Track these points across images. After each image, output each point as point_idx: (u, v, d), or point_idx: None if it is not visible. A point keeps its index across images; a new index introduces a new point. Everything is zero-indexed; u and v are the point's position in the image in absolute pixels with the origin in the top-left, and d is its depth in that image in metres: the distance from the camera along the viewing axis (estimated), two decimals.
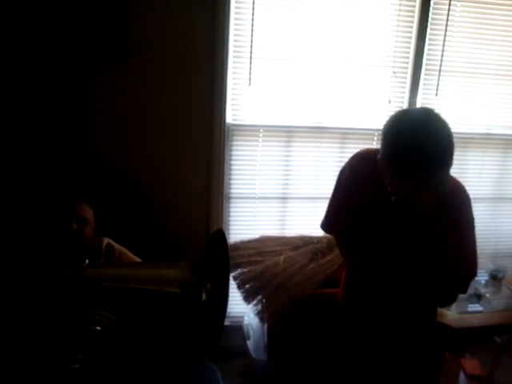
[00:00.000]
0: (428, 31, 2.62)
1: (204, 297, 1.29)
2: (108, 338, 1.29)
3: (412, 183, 1.42)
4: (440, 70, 2.67)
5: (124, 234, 1.97)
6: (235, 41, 2.45)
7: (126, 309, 1.37)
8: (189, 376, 1.73)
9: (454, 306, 2.43)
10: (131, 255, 1.84)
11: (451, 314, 2.21)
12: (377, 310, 1.75)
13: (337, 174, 2.68)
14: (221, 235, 1.43)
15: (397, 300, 1.73)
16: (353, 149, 2.63)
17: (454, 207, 1.57)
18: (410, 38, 2.62)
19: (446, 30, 2.62)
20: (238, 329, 2.56)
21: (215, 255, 1.39)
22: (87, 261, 1.34)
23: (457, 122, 2.77)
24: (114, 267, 1.48)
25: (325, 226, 1.90)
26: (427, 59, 2.66)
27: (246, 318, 2.57)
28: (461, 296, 2.42)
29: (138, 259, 1.86)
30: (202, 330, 1.40)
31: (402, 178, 1.42)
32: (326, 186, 2.72)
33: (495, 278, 2.73)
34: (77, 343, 1.26)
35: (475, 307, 2.57)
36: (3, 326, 1.22)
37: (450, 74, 2.72)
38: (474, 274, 1.66)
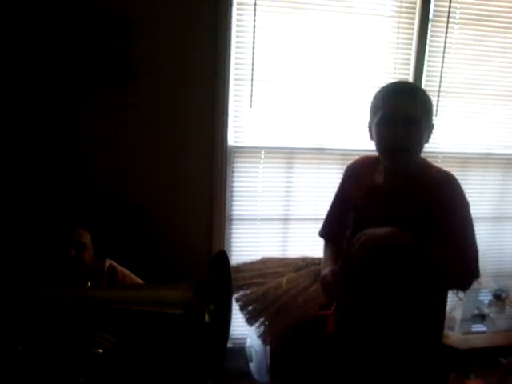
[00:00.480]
0: (427, 52, 2.65)
1: (207, 318, 1.29)
2: (110, 361, 1.27)
3: (401, 121, 1.49)
4: (439, 91, 2.70)
5: (126, 255, 1.98)
6: (236, 63, 2.49)
7: (128, 331, 1.37)
8: None
9: (457, 327, 2.41)
10: (134, 277, 1.85)
11: (455, 335, 2.19)
12: (372, 334, 1.71)
13: None
14: (223, 257, 1.43)
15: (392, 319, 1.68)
16: None
17: (444, 196, 1.53)
18: (409, 59, 2.66)
19: (444, 52, 2.66)
20: (240, 351, 2.54)
21: (217, 277, 1.39)
22: (89, 283, 1.34)
23: (457, 141, 2.81)
24: (116, 289, 1.49)
25: (322, 231, 1.90)
26: (426, 80, 2.70)
27: (248, 340, 2.56)
28: (464, 316, 2.42)
29: (140, 281, 1.87)
30: (205, 352, 1.39)
31: (390, 110, 1.53)
32: (327, 207, 2.73)
33: (499, 298, 2.71)
34: (79, 366, 1.25)
35: (479, 327, 2.55)
36: (4, 349, 1.22)
37: (450, 95, 2.75)
38: (472, 272, 1.51)
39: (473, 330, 2.47)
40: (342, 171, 2.63)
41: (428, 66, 2.68)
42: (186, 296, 1.38)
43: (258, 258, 2.59)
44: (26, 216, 2.21)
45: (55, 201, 2.31)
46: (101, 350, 1.26)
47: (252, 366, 2.45)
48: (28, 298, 1.30)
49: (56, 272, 1.81)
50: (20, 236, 2.14)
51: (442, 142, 2.79)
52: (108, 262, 1.76)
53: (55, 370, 1.25)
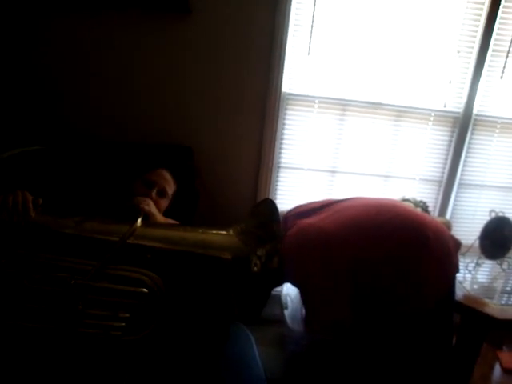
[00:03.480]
0: (500, 7, 2.52)
1: (255, 269, 1.29)
2: (154, 299, 1.29)
3: None
4: (509, 52, 2.58)
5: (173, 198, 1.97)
6: (297, 8, 2.46)
7: (173, 272, 1.38)
8: (224, 339, 1.74)
9: (496, 297, 2.37)
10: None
11: (492, 304, 2.16)
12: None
13: (389, 151, 2.64)
14: (272, 207, 1.40)
15: None
16: (407, 128, 2.59)
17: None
18: (480, 15, 2.55)
19: None
20: (276, 298, 2.57)
21: (266, 227, 1.38)
22: (139, 220, 1.34)
23: None
24: (163, 229, 1.48)
25: None
26: (496, 39, 2.57)
27: (284, 288, 2.58)
28: (504, 288, 2.39)
29: None
30: (246, 300, 1.40)
31: None
32: (377, 162, 2.69)
33: None
34: (123, 302, 1.26)
35: None
36: (55, 281, 1.23)
37: None
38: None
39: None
40: (396, 128, 2.60)
41: (500, 23, 2.55)
42: (233, 242, 1.37)
43: None
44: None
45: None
46: (145, 290, 1.27)
47: (287, 313, 2.48)
48: (77, 230, 1.31)
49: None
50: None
51: (503, 108, 2.70)
52: (153, 208, 1.69)
53: (100, 304, 1.26)
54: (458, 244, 1.97)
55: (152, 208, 1.68)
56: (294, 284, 1.92)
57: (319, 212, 1.97)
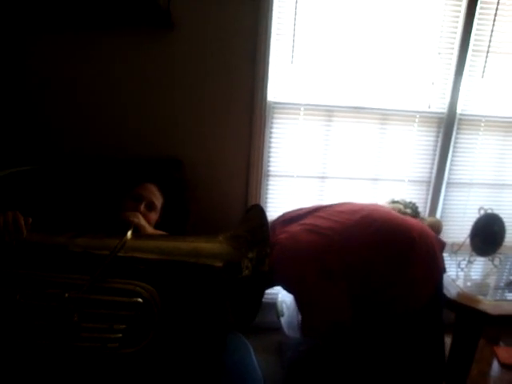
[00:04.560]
0: (477, 9, 2.57)
1: (246, 272, 1.30)
2: (148, 310, 1.29)
3: None
4: (488, 51, 2.62)
5: (165, 207, 1.98)
6: (278, 18, 2.49)
7: (166, 281, 1.38)
8: (221, 349, 1.75)
9: (490, 293, 2.39)
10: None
11: (487, 301, 2.18)
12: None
13: (376, 154, 2.67)
14: (260, 211, 1.42)
15: None
16: (393, 130, 2.62)
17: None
18: (458, 16, 2.59)
19: (497, 9, 2.57)
20: (271, 306, 2.58)
21: (255, 231, 1.39)
22: (129, 233, 1.35)
23: (503, 105, 2.76)
24: (154, 240, 1.48)
25: None
26: (475, 39, 2.62)
27: (279, 295, 2.59)
28: (498, 284, 2.41)
29: None
30: (240, 305, 1.40)
31: None
32: (365, 166, 2.71)
33: None
34: (120, 314, 1.27)
35: None
36: (49, 297, 1.24)
37: (499, 55, 2.67)
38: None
39: (507, 297, 2.44)
40: (382, 131, 2.63)
41: (478, 23, 2.60)
42: (224, 249, 1.38)
43: None
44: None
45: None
46: (140, 300, 1.28)
47: (283, 320, 2.49)
48: (67, 246, 1.31)
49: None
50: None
51: (486, 106, 2.74)
52: (142, 221, 1.69)
53: (96, 318, 1.26)
54: (442, 244, 2.02)
55: (141, 220, 1.70)
56: (288, 289, 1.94)
57: (306, 218, 2.00)
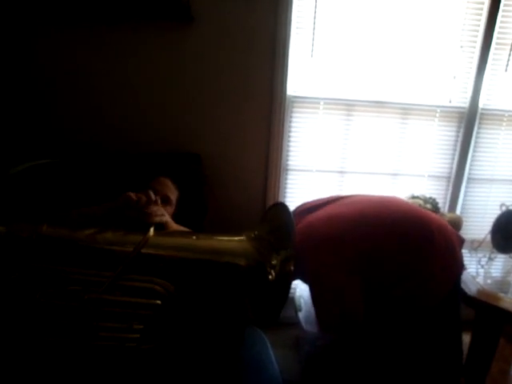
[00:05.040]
0: (502, 1, 2.52)
1: (271, 276, 1.29)
2: (167, 309, 1.29)
3: None
4: None
5: (182, 202, 1.98)
6: (298, 11, 2.48)
7: (186, 278, 1.38)
8: (239, 343, 1.75)
9: (511, 291, 2.37)
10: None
11: (508, 298, 2.15)
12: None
13: (396, 149, 2.65)
14: (285, 211, 1.40)
15: None
16: (414, 125, 2.59)
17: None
18: (482, 8, 2.55)
19: None
20: (289, 300, 2.57)
21: (279, 233, 1.37)
22: (152, 229, 1.35)
23: None
24: (176, 237, 1.48)
25: None
26: (499, 32, 2.58)
27: (297, 290, 2.59)
28: None
29: None
30: (264, 304, 1.40)
31: None
32: (385, 161, 2.69)
33: None
34: (137, 314, 1.27)
35: None
36: (69, 295, 1.24)
37: None
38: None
39: None
40: (402, 126, 2.61)
41: (502, 16, 2.55)
42: (247, 249, 1.37)
43: None
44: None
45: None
46: (159, 302, 1.28)
47: (301, 315, 2.49)
48: (92, 242, 1.31)
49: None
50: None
51: (509, 101, 2.71)
52: (164, 218, 1.66)
53: (114, 316, 1.27)
54: (461, 240, 2.00)
55: (166, 216, 1.69)
56: (304, 278, 1.93)
57: (324, 208, 1.99)
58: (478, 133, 2.74)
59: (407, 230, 1.84)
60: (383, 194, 2.24)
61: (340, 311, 1.75)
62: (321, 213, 1.94)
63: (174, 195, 1.92)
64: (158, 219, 1.62)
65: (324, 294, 1.78)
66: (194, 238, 1.46)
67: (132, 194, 1.59)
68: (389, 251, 1.80)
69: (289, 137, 2.67)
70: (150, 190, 1.70)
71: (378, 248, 1.79)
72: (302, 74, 2.57)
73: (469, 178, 2.83)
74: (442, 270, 1.83)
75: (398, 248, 1.80)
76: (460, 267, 1.94)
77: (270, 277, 1.29)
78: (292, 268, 1.28)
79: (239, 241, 1.39)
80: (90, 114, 2.50)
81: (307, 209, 2.06)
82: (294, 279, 2.04)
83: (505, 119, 2.73)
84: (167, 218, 1.69)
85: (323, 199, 2.11)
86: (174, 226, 1.72)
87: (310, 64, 2.55)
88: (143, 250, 1.30)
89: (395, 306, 1.85)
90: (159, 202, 1.80)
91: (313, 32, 2.48)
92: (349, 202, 2.00)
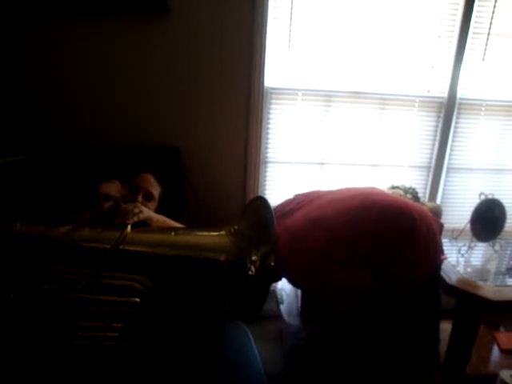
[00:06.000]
0: None
1: (251, 271, 1.29)
2: (147, 306, 1.28)
3: None
4: (489, 33, 2.60)
5: (162, 196, 1.97)
6: (275, 1, 2.46)
7: (165, 274, 1.38)
8: (219, 337, 1.76)
9: (490, 279, 2.41)
10: (171, 224, 1.78)
11: (487, 286, 2.19)
12: None
13: (376, 140, 2.67)
14: (265, 206, 1.39)
15: None
16: (393, 115, 2.61)
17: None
18: None
19: None
20: (271, 293, 2.59)
21: (259, 229, 1.37)
22: (129, 226, 1.34)
23: (504, 89, 2.75)
24: (154, 233, 1.47)
25: None
26: (475, 21, 2.59)
27: (279, 283, 2.60)
28: (498, 269, 2.43)
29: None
30: (244, 299, 1.40)
31: None
32: (364, 151, 2.71)
33: None
34: (116, 312, 1.26)
35: None
36: (46, 293, 1.23)
37: (500, 38, 2.65)
38: None
39: (507, 283, 2.45)
40: (381, 116, 2.63)
41: (479, 5, 2.57)
42: (226, 244, 1.37)
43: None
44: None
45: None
46: (137, 299, 1.27)
47: (283, 308, 2.50)
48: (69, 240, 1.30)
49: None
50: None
51: (487, 90, 2.73)
52: (145, 214, 1.62)
53: (93, 315, 1.26)
54: (440, 226, 2.06)
55: (146, 212, 1.64)
56: (296, 284, 1.96)
57: (305, 208, 2.00)
58: (456, 122, 2.77)
59: (391, 220, 1.87)
60: (360, 186, 2.27)
61: (345, 299, 1.82)
62: (299, 218, 1.96)
63: (156, 191, 1.91)
64: (135, 218, 1.60)
65: (325, 289, 1.85)
66: (173, 233, 1.46)
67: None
68: (376, 244, 1.83)
69: (267, 129, 2.67)
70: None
71: (366, 243, 1.82)
72: (280, 65, 2.57)
73: (448, 168, 2.86)
74: (425, 256, 1.87)
75: (384, 239, 1.84)
76: (440, 251, 1.99)
77: (250, 272, 1.29)
78: (272, 264, 1.29)
79: (219, 236, 1.39)
80: (66, 109, 2.46)
81: (288, 210, 2.07)
82: (280, 279, 2.06)
83: (483, 108, 2.76)
84: (147, 215, 1.65)
85: (302, 198, 2.12)
86: (160, 221, 1.70)
87: (287, 55, 2.54)
88: (121, 247, 1.29)
89: (381, 293, 1.88)
90: (140, 199, 1.79)
91: (290, 22, 2.47)
92: (329, 200, 2.01)
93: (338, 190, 2.12)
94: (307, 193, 2.15)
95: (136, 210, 1.60)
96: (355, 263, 1.82)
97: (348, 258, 1.81)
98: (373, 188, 2.24)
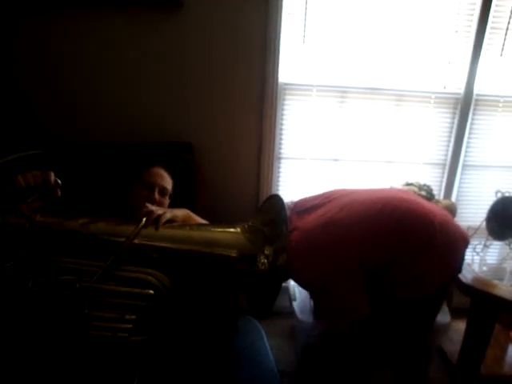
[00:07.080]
0: None
1: (262, 268, 1.30)
2: (160, 300, 1.30)
3: None
4: (507, 28, 2.59)
5: (175, 191, 1.99)
6: None
7: (179, 269, 1.40)
8: (232, 333, 1.78)
9: (506, 278, 2.40)
10: (196, 219, 1.75)
11: (503, 285, 2.19)
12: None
13: (391, 136, 2.66)
14: (279, 204, 1.41)
15: None
16: (408, 111, 2.60)
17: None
18: None
19: None
20: (284, 290, 2.60)
21: (273, 225, 1.38)
22: (144, 220, 1.36)
23: None
24: (169, 228, 1.48)
25: None
26: (494, 16, 2.58)
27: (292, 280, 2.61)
28: None
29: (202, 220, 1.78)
30: (257, 296, 1.41)
31: None
32: (379, 148, 2.71)
33: None
34: (130, 305, 1.28)
35: None
36: (61, 284, 1.25)
37: None
38: None
39: None
40: (397, 112, 2.62)
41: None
42: (240, 240, 1.39)
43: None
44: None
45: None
46: (152, 291, 1.29)
47: (295, 305, 2.51)
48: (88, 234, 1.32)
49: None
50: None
51: (504, 86, 2.72)
52: (168, 214, 1.53)
53: (106, 306, 1.28)
54: (466, 241, 1.96)
55: (169, 213, 1.55)
56: (303, 286, 1.96)
57: (321, 208, 1.99)
58: (473, 119, 2.75)
59: (409, 227, 1.84)
60: (382, 188, 2.25)
61: (347, 316, 1.81)
62: (317, 218, 1.94)
63: (169, 185, 1.89)
64: (163, 219, 1.58)
65: (329, 302, 1.83)
66: (188, 229, 1.48)
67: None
68: (394, 251, 1.82)
69: (281, 125, 2.68)
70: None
71: (384, 249, 1.82)
72: (294, 60, 2.57)
73: (464, 165, 2.84)
74: (437, 266, 1.84)
75: (402, 247, 1.82)
76: (455, 269, 1.97)
77: (263, 267, 1.31)
78: (284, 263, 1.31)
79: (233, 232, 1.41)
80: (79, 105, 2.49)
81: (303, 210, 2.06)
82: (290, 279, 2.07)
83: (500, 105, 2.75)
84: (172, 214, 1.57)
85: (319, 197, 2.10)
86: (186, 218, 1.68)
87: (302, 50, 2.55)
88: (136, 241, 1.32)
89: (388, 296, 1.88)
90: (156, 196, 1.78)
91: (304, 17, 2.48)
92: (348, 202, 1.98)
93: (362, 192, 2.07)
94: (333, 191, 2.12)
95: (160, 212, 1.59)
96: (343, 276, 1.82)
97: (336, 274, 1.80)
98: (394, 191, 2.21)
